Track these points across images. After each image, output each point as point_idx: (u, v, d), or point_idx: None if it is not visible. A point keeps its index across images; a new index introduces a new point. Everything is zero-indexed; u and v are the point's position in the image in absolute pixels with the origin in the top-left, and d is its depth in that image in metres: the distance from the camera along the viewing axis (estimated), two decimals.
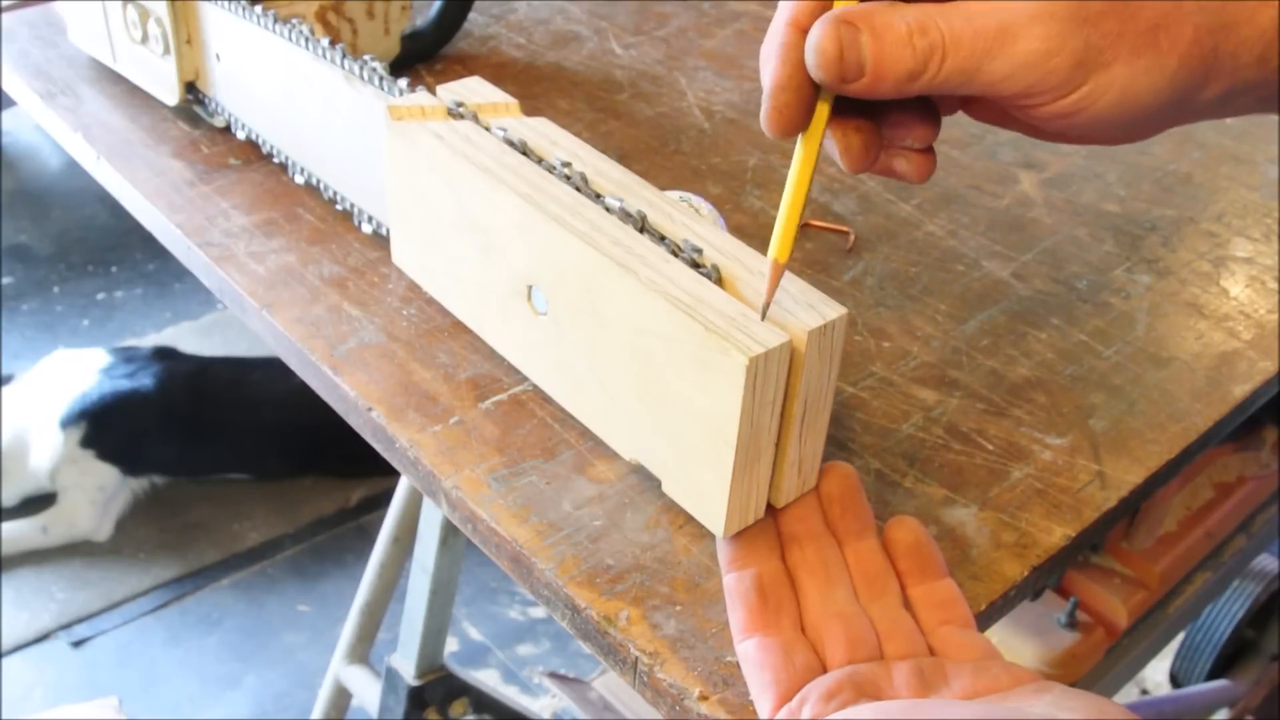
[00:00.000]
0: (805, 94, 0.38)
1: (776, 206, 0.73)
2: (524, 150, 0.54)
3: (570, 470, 0.52)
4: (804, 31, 0.37)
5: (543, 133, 0.55)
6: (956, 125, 0.82)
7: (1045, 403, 0.58)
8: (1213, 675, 1.35)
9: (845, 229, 0.69)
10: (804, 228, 0.70)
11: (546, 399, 0.55)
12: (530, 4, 0.94)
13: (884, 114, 0.40)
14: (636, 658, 0.44)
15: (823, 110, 0.39)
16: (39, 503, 1.82)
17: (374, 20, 0.78)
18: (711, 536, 0.49)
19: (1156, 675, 1.61)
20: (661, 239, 0.48)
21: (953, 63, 0.36)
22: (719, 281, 0.46)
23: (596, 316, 0.48)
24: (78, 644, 1.67)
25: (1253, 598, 1.28)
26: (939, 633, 0.43)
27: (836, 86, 0.37)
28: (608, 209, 0.50)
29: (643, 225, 0.49)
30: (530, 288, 0.52)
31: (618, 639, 0.45)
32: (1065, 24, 0.35)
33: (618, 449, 0.51)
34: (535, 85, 0.82)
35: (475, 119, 0.56)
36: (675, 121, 0.80)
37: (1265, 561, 1.28)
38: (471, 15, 0.90)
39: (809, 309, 0.44)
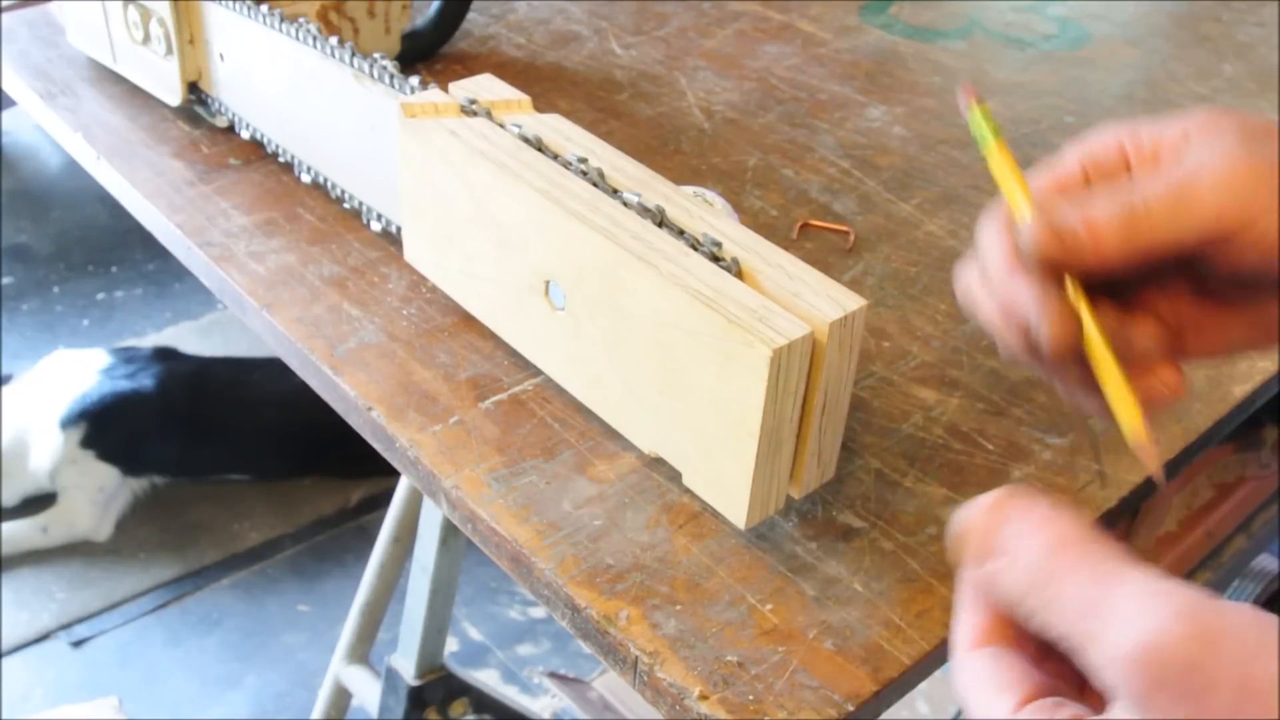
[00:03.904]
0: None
1: (776, 206, 0.73)
2: (539, 146, 0.54)
3: (570, 470, 0.52)
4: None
5: (557, 129, 0.56)
6: (956, 125, 0.82)
7: (1045, 402, 0.58)
8: None
9: (845, 229, 0.69)
10: (804, 227, 0.70)
11: (547, 398, 0.56)
12: (530, 4, 0.94)
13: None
14: (636, 657, 0.44)
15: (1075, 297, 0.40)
16: (39, 503, 1.82)
17: (375, 19, 0.78)
18: (712, 536, 0.49)
19: None
20: (681, 233, 0.49)
21: (1157, 209, 0.39)
22: (739, 274, 0.47)
23: (617, 311, 0.48)
24: (78, 644, 1.67)
25: (1253, 598, 1.28)
26: None
27: (1054, 252, 0.39)
28: (625, 204, 0.50)
29: (661, 220, 0.49)
30: (548, 283, 0.52)
31: (618, 638, 0.45)
32: (1235, 138, 0.39)
33: (637, 442, 0.52)
34: (535, 85, 0.83)
35: (489, 116, 0.56)
36: (675, 121, 0.80)
37: (1265, 561, 1.28)
38: (471, 15, 0.90)
39: (829, 301, 0.45)
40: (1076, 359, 0.41)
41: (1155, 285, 0.42)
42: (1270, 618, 0.30)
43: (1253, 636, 0.29)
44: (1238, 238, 0.39)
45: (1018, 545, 0.32)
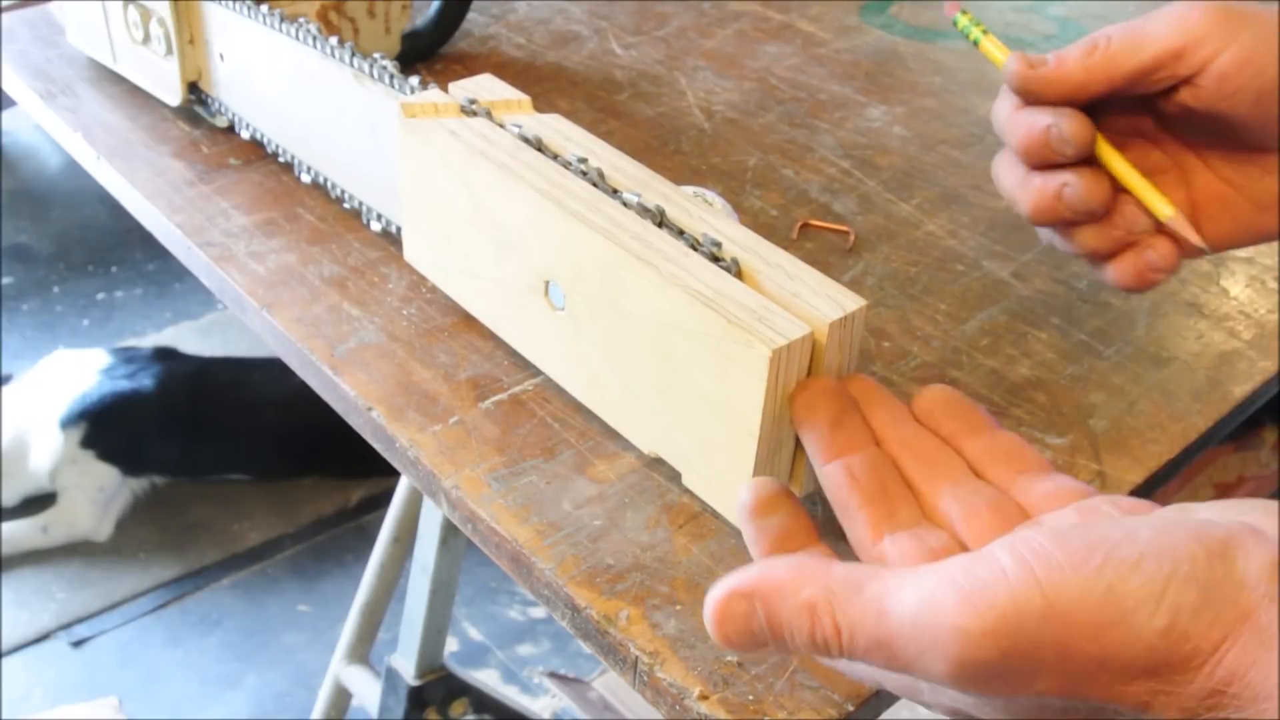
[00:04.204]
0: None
1: (776, 206, 0.73)
2: (539, 146, 0.54)
3: (570, 470, 0.52)
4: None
5: (557, 129, 0.56)
6: (956, 125, 0.82)
7: (1045, 402, 0.58)
8: None
9: (845, 229, 0.69)
10: (804, 227, 0.70)
11: (547, 398, 0.56)
12: (530, 4, 0.94)
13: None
14: (636, 657, 0.44)
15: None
16: (39, 503, 1.82)
17: (375, 19, 0.78)
18: (712, 536, 0.49)
19: None
20: (680, 233, 0.49)
21: (1117, 40, 0.46)
22: (739, 274, 0.47)
23: (616, 311, 0.48)
24: (78, 644, 1.67)
25: None
26: (1022, 487, 0.39)
27: (1027, 77, 0.47)
28: (625, 204, 0.50)
29: (661, 220, 0.49)
30: (548, 283, 0.52)
31: (618, 639, 0.45)
32: None
33: (636, 442, 0.52)
34: (535, 85, 0.83)
35: (489, 116, 0.56)
36: (675, 121, 0.80)
37: None
38: (471, 15, 0.90)
39: (829, 300, 0.45)
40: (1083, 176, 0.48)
41: (1174, 165, 0.50)
42: (1041, 555, 0.30)
43: (1040, 595, 0.29)
44: (1191, 68, 0.45)
45: (779, 634, 0.33)
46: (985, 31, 0.51)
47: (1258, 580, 0.28)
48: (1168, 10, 0.46)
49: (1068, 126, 0.46)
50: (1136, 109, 0.49)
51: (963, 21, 0.52)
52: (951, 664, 0.30)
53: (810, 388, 0.43)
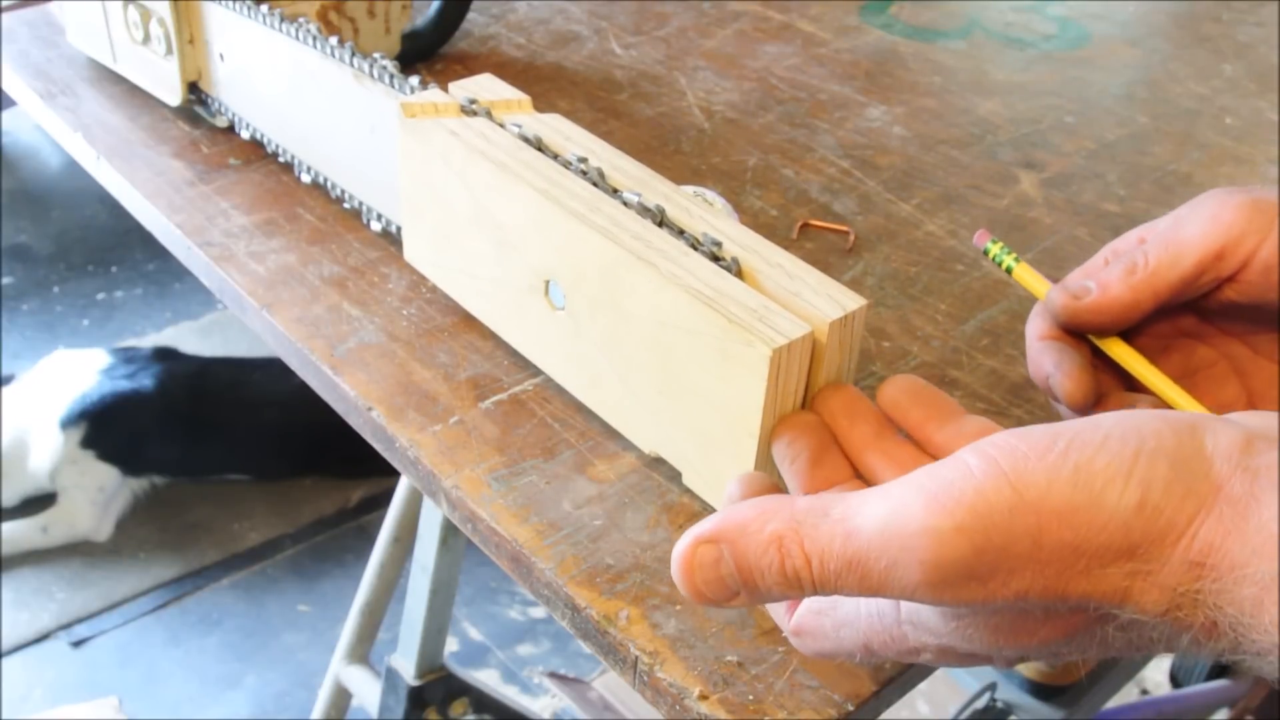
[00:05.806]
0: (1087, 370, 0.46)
1: (776, 206, 0.73)
2: (539, 146, 0.54)
3: (570, 470, 0.52)
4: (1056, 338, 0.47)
5: (557, 129, 0.56)
6: (956, 125, 0.82)
7: (1045, 402, 0.58)
8: (1212, 675, 1.35)
9: (845, 229, 0.70)
10: (804, 227, 0.70)
11: (547, 398, 0.56)
12: (530, 4, 0.94)
13: None
14: (636, 657, 0.44)
15: (1117, 347, 0.47)
16: (39, 503, 1.82)
17: (375, 19, 0.78)
18: None
19: (1156, 675, 1.61)
20: (680, 233, 0.49)
21: (1154, 254, 0.45)
22: (739, 274, 0.47)
23: (616, 311, 0.48)
24: (78, 644, 1.67)
25: None
26: None
27: (1073, 309, 0.45)
28: (625, 204, 0.50)
29: (661, 219, 0.49)
30: (548, 283, 0.52)
31: (618, 638, 0.45)
32: (1225, 191, 0.45)
33: (637, 442, 0.52)
34: (535, 85, 0.83)
35: (489, 115, 0.57)
36: (675, 121, 0.80)
37: None
38: (471, 15, 0.90)
39: (829, 300, 0.45)
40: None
41: (1222, 357, 0.48)
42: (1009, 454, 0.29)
43: (1008, 485, 0.29)
44: (1234, 265, 0.44)
45: (749, 576, 0.32)
46: (1018, 260, 0.49)
47: (1228, 453, 0.28)
48: (1198, 212, 0.45)
49: (1063, 384, 0.45)
50: (1178, 310, 0.48)
51: (994, 250, 0.50)
52: (925, 568, 0.29)
53: (791, 424, 0.43)
